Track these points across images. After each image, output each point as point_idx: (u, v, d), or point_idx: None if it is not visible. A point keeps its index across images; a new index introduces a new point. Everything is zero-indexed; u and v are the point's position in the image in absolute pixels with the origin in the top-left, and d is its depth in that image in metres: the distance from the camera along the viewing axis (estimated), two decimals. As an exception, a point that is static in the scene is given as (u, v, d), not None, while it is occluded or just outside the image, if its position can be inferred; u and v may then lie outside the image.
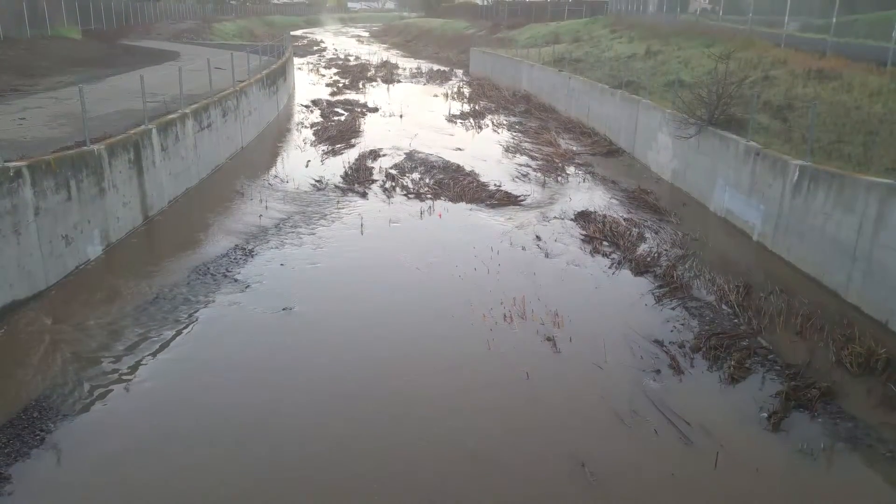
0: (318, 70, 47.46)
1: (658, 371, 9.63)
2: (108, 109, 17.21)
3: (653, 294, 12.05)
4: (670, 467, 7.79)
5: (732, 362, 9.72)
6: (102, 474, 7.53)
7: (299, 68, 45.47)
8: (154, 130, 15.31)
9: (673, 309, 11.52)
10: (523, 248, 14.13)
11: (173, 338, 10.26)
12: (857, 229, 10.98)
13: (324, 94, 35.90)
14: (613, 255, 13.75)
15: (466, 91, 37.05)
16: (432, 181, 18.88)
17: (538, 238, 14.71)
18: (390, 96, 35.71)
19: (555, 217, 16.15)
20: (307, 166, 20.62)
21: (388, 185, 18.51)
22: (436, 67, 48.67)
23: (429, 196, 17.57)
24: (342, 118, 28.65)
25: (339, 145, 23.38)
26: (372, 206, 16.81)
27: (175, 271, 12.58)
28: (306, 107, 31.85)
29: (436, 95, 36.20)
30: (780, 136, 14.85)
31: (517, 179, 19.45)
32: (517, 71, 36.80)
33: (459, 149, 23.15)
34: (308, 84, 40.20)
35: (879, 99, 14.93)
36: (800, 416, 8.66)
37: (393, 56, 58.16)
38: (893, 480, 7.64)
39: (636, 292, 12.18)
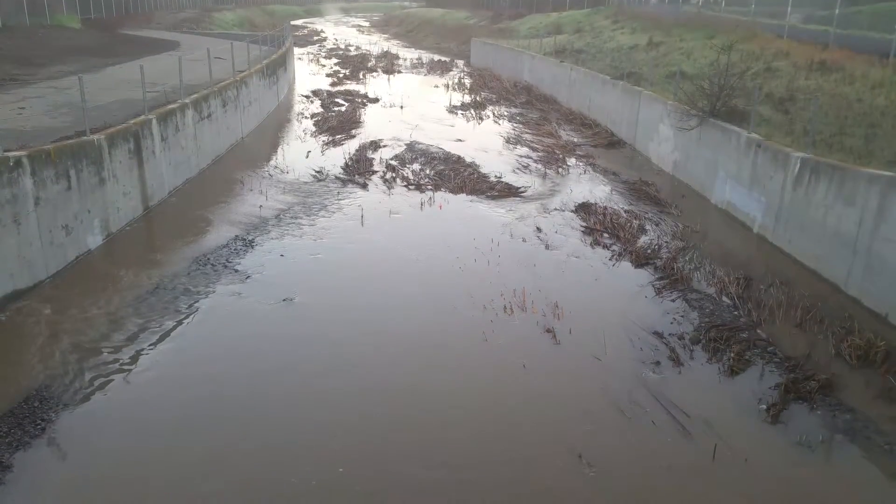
0: (318, 60, 47.29)
1: (657, 363, 9.65)
2: (108, 99, 17.17)
3: (653, 286, 12.06)
4: (669, 459, 7.81)
5: (732, 354, 9.74)
6: (103, 464, 7.56)
7: (299, 58, 45.31)
8: (154, 120, 15.28)
9: (673, 301, 11.53)
10: (524, 240, 14.13)
11: (174, 328, 10.28)
12: (857, 222, 10.97)
13: (324, 84, 35.79)
14: (614, 247, 13.75)
15: (467, 82, 36.92)
16: (433, 172, 18.85)
17: (538, 230, 14.70)
18: (391, 87, 35.60)
19: (555, 209, 16.14)
20: (307, 157, 20.58)
21: (388, 176, 18.48)
22: (437, 58, 48.47)
23: (429, 187, 17.55)
24: (342, 109, 28.57)
25: (339, 136, 23.33)
26: (372, 197, 16.79)
27: (175, 261, 12.59)
28: (307, 97, 31.76)
29: (436, 86, 36.08)
30: (782, 128, 14.82)
31: (518, 171, 19.42)
32: (518, 62, 36.66)
33: (460, 140, 23.11)
34: (308, 74, 40.07)
35: (882, 91, 14.88)
36: (799, 408, 8.68)
37: (393, 46, 57.92)
38: (891, 472, 7.67)
39: (636, 284, 12.19)
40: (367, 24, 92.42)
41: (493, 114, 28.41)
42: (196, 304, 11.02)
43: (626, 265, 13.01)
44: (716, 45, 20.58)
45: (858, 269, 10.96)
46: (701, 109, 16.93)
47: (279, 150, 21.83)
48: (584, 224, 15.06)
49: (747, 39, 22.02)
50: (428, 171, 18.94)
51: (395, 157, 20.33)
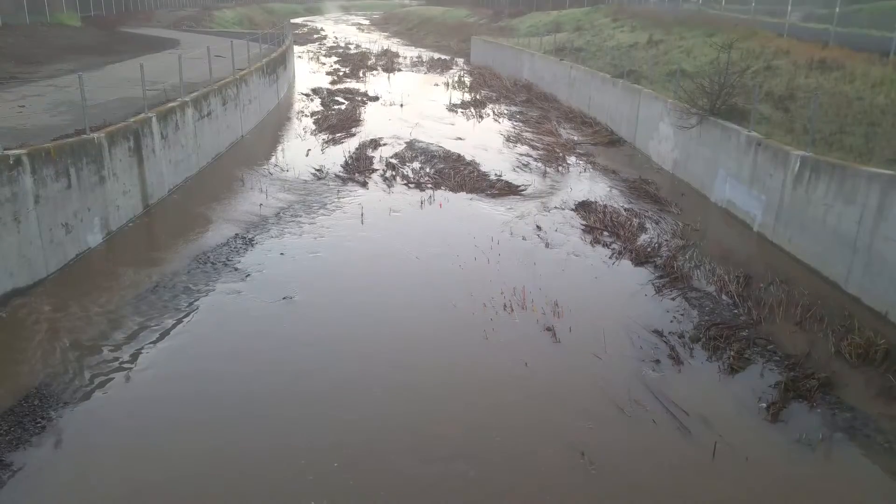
0: (318, 58, 47.27)
1: (657, 361, 9.65)
2: (108, 97, 17.16)
3: (653, 284, 12.05)
4: (669, 457, 7.82)
5: (732, 353, 9.74)
6: (103, 462, 7.57)
7: (299, 56, 45.28)
8: (154, 119, 15.27)
9: (673, 299, 11.53)
10: (524, 238, 14.13)
11: (173, 326, 10.28)
12: (857, 220, 10.96)
13: (324, 82, 35.77)
14: (614, 246, 13.74)
15: (467, 80, 36.90)
16: (433, 171, 18.84)
17: (539, 228, 14.69)
18: (391, 85, 35.58)
19: (555, 207, 16.14)
20: (307, 155, 20.58)
21: (388, 174, 18.48)
22: (436, 56, 48.44)
23: (429, 186, 17.54)
24: (342, 107, 28.56)
25: (339, 134, 23.32)
26: (372, 196, 16.79)
27: (175, 260, 12.59)
28: (306, 95, 31.75)
29: (436, 84, 36.06)
30: (782, 126, 14.81)
31: (518, 169, 19.41)
32: (518, 60, 36.63)
33: (460, 138, 23.10)
34: (308, 72, 40.05)
35: (881, 90, 14.88)
36: (798, 407, 8.68)
37: (393, 44, 57.89)
38: (891, 471, 7.67)
39: (636, 282, 12.18)
40: (366, 22, 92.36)
41: (493, 112, 28.40)
42: (196, 303, 11.02)
43: (626, 263, 13.01)
44: (716, 43, 20.58)
45: (858, 268, 10.96)
46: (701, 108, 16.92)
47: (279, 148, 21.83)
48: (584, 222, 15.05)
49: (747, 37, 22.01)
50: (428, 170, 18.93)
51: (395, 156, 20.32)
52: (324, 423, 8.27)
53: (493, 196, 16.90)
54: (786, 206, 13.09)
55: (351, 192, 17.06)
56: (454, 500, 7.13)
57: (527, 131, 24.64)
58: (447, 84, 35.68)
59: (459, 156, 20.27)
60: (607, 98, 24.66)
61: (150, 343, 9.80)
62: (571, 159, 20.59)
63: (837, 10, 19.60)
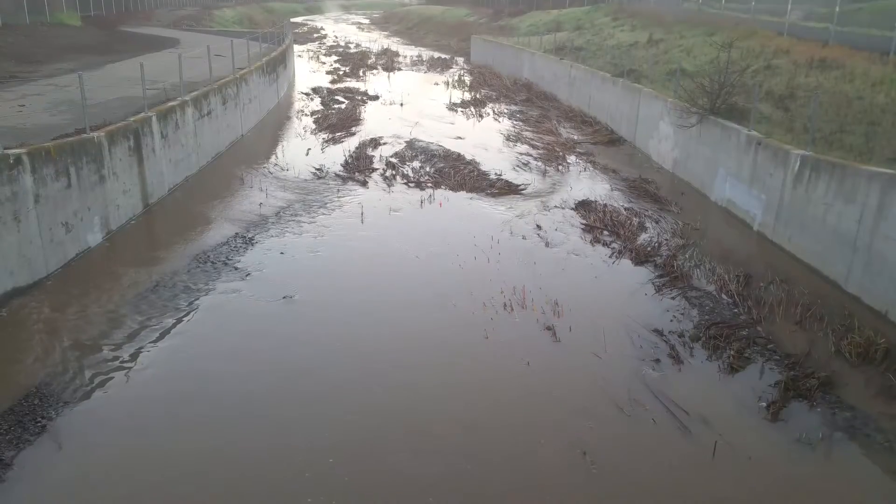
0: (318, 58, 47.24)
1: (657, 360, 9.65)
2: (108, 97, 17.16)
3: (653, 283, 12.05)
4: (669, 457, 7.82)
5: (732, 352, 9.74)
6: (103, 461, 7.57)
7: (299, 56, 45.26)
8: (154, 118, 15.26)
9: (673, 298, 11.53)
10: (524, 238, 14.12)
11: (174, 326, 10.28)
12: (857, 220, 10.96)
13: (324, 81, 35.76)
14: (614, 245, 13.74)
15: (467, 79, 36.88)
16: (433, 170, 18.84)
17: (538, 227, 14.69)
18: (391, 84, 35.56)
19: (555, 206, 16.13)
20: (307, 154, 20.57)
21: (388, 173, 18.47)
22: (436, 55, 48.42)
23: (429, 185, 17.54)
24: (342, 106, 28.54)
25: (339, 133, 23.32)
26: (372, 195, 16.79)
27: (175, 259, 12.59)
28: (306, 94, 31.73)
29: (436, 83, 36.04)
30: (782, 125, 14.81)
31: (518, 168, 19.41)
32: (518, 59, 36.62)
33: (460, 137, 23.09)
34: (308, 72, 40.03)
35: (882, 89, 14.87)
36: (798, 406, 8.68)
37: (393, 44, 57.86)
38: (891, 470, 7.67)
39: (636, 282, 12.18)
40: (366, 21, 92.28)
41: (493, 111, 28.38)
42: (196, 302, 11.02)
43: (625, 263, 13.01)
44: (716, 42, 20.56)
45: (858, 267, 10.95)
46: (701, 107, 16.92)
47: (279, 147, 21.83)
48: (584, 221, 15.05)
49: (747, 37, 22.01)
50: (428, 169, 18.93)
51: (395, 155, 20.32)
52: (323, 423, 8.27)
53: (493, 195, 16.90)
54: (786, 206, 13.09)
55: (351, 191, 17.06)
56: (454, 500, 7.14)
57: (527, 130, 24.63)
58: (447, 83, 35.66)
59: (459, 155, 20.27)
60: (607, 97, 24.65)
61: (151, 342, 9.80)
62: (571, 158, 20.59)
63: (837, 9, 19.59)
